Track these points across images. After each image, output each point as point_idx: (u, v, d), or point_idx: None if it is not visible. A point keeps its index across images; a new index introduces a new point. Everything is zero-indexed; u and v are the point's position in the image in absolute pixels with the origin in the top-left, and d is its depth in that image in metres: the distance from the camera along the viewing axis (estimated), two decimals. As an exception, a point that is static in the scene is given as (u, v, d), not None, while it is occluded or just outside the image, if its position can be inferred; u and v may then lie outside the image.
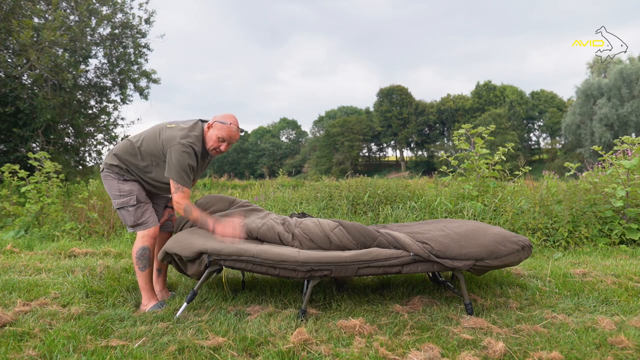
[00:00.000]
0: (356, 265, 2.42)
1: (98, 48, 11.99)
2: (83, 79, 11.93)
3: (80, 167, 12.45)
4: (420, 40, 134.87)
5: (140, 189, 2.76)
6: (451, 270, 2.48)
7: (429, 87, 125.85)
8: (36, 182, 5.99)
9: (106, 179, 2.79)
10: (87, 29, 11.28)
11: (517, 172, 5.69)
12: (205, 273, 2.49)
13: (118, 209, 2.76)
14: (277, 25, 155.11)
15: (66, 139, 11.58)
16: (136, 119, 12.96)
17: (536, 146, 57.77)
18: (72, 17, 10.94)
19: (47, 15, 10.53)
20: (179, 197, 2.60)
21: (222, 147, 2.71)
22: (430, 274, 3.09)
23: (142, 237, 2.72)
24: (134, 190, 2.73)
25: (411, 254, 2.45)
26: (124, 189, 2.73)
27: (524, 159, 6.32)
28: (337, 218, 5.42)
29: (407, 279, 3.18)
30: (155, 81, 13.05)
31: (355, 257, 2.43)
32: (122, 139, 12.50)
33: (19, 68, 9.82)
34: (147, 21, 12.47)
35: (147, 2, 12.28)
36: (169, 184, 2.73)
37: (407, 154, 64.23)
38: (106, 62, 12.32)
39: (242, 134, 2.72)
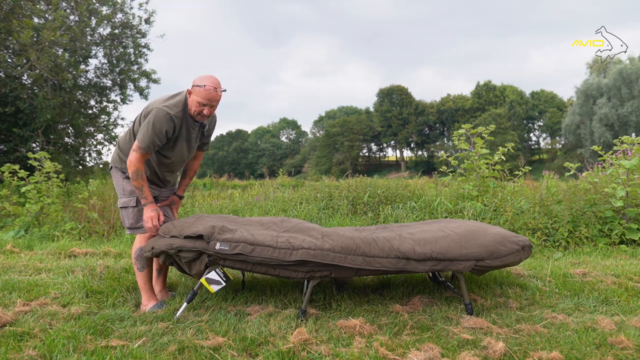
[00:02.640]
0: (356, 265, 2.42)
1: (98, 48, 12.00)
2: (83, 79, 11.93)
3: (80, 167, 12.46)
4: (421, 40, 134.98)
5: None
6: (452, 270, 2.48)
7: (430, 87, 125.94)
8: (36, 182, 5.99)
9: (113, 176, 2.81)
10: (87, 29, 11.29)
11: (517, 172, 5.69)
12: (205, 273, 2.49)
13: (120, 207, 2.76)
14: (278, 26, 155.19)
15: (66, 139, 11.59)
16: None
17: (536, 146, 57.77)
18: (72, 17, 10.95)
19: (47, 15, 10.53)
20: (135, 157, 2.54)
21: (205, 111, 2.58)
22: (430, 274, 3.09)
23: (140, 238, 2.73)
24: (134, 191, 2.72)
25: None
26: (127, 189, 2.73)
27: (524, 159, 6.32)
28: (337, 218, 5.42)
29: (407, 279, 3.18)
30: (155, 81, 13.07)
31: (356, 264, 2.44)
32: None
33: (19, 68, 9.82)
34: (147, 21, 12.49)
35: (147, 2, 12.29)
36: (176, 159, 2.73)
37: (407, 154, 64.32)
38: (106, 62, 12.34)
39: (224, 91, 2.61)
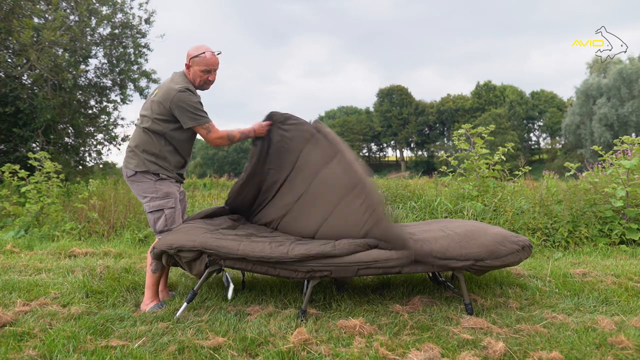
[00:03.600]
0: (356, 266, 2.42)
1: (98, 48, 11.98)
2: (83, 79, 11.92)
3: (80, 167, 12.45)
4: (421, 41, 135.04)
5: (175, 190, 2.71)
6: (451, 270, 2.48)
7: (430, 87, 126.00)
8: (36, 182, 5.99)
9: (139, 183, 2.65)
10: (87, 29, 11.27)
11: (517, 172, 5.68)
12: (205, 273, 2.50)
13: (152, 211, 2.63)
14: (278, 26, 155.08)
15: (66, 139, 11.58)
16: (136, 119, 12.93)
17: (536, 146, 57.79)
18: (72, 17, 10.94)
19: (47, 15, 10.53)
20: (215, 135, 2.65)
21: (211, 77, 2.72)
22: (430, 274, 3.09)
23: None
24: (171, 192, 2.67)
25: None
26: (162, 190, 2.64)
27: (524, 159, 6.31)
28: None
29: (407, 279, 3.18)
30: (155, 81, 13.06)
31: (355, 258, 2.43)
32: (122, 139, 12.51)
33: (19, 68, 9.82)
34: (147, 21, 12.47)
35: (147, 2, 12.28)
36: (189, 134, 2.74)
37: (407, 154, 64.33)
38: (106, 62, 12.32)
39: (219, 54, 2.74)
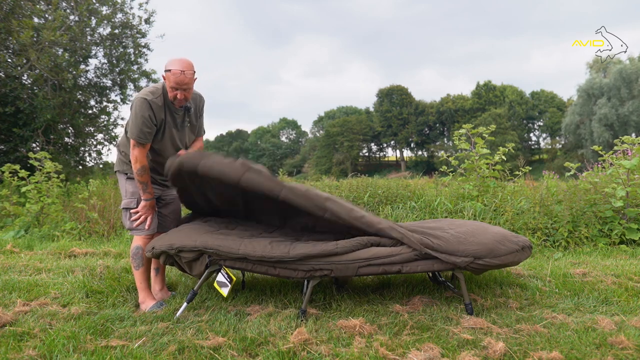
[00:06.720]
0: (357, 263, 2.42)
1: (98, 48, 11.98)
2: (83, 79, 11.92)
3: (80, 167, 12.46)
4: (422, 41, 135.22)
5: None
6: (451, 269, 2.48)
7: (431, 87, 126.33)
8: (36, 182, 5.99)
9: (118, 180, 2.87)
10: (87, 29, 11.28)
11: (517, 172, 5.68)
12: (205, 273, 2.50)
13: (122, 209, 2.79)
14: (280, 25, 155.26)
15: (66, 139, 11.58)
16: None
17: (536, 146, 57.78)
18: (72, 17, 10.94)
19: (47, 15, 10.52)
20: (136, 153, 2.56)
21: (179, 95, 2.53)
22: (430, 274, 3.09)
23: (138, 238, 2.76)
24: (136, 192, 2.73)
25: (419, 249, 2.45)
26: (129, 190, 2.76)
27: (524, 159, 6.32)
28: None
29: (407, 279, 3.18)
30: (155, 81, 13.06)
31: (356, 256, 2.44)
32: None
33: (19, 68, 9.82)
34: (147, 21, 12.47)
35: (147, 2, 12.28)
36: (168, 147, 2.71)
37: (407, 154, 64.35)
38: (106, 62, 12.32)
39: (194, 73, 2.56)
